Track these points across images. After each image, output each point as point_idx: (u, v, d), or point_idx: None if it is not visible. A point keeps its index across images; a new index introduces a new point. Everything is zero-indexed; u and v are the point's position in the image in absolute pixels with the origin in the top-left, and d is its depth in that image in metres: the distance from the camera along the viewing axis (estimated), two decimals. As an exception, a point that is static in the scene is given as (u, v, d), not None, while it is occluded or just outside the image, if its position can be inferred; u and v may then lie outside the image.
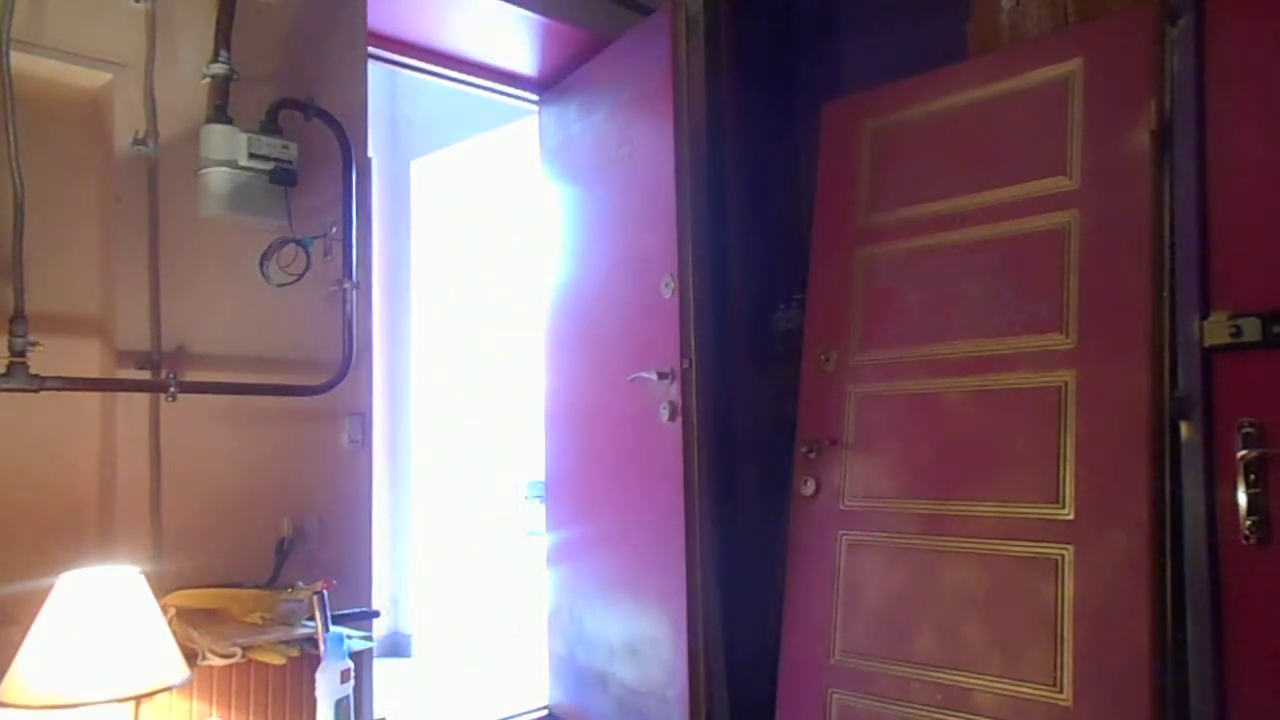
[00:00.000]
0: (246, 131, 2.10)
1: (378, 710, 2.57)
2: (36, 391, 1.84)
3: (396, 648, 4.30)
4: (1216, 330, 1.95)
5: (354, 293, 2.31)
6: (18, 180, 1.86)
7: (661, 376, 2.68)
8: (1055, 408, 2.21)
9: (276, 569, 2.18)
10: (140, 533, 2.01)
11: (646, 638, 2.77)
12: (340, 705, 1.84)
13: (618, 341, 2.94)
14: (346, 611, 2.14)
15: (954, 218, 2.47)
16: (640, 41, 2.87)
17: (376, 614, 2.41)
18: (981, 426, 2.33)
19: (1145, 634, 1.99)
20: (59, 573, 1.59)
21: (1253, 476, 1.88)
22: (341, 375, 2.28)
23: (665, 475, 2.68)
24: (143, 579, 1.64)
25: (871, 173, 2.69)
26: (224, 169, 2.07)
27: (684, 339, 2.67)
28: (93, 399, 2.06)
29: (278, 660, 1.86)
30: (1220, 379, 1.96)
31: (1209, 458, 1.95)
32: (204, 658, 1.77)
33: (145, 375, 2.04)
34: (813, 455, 2.61)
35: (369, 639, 2.15)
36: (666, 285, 2.69)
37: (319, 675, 1.84)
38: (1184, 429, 2.01)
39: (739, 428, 3.00)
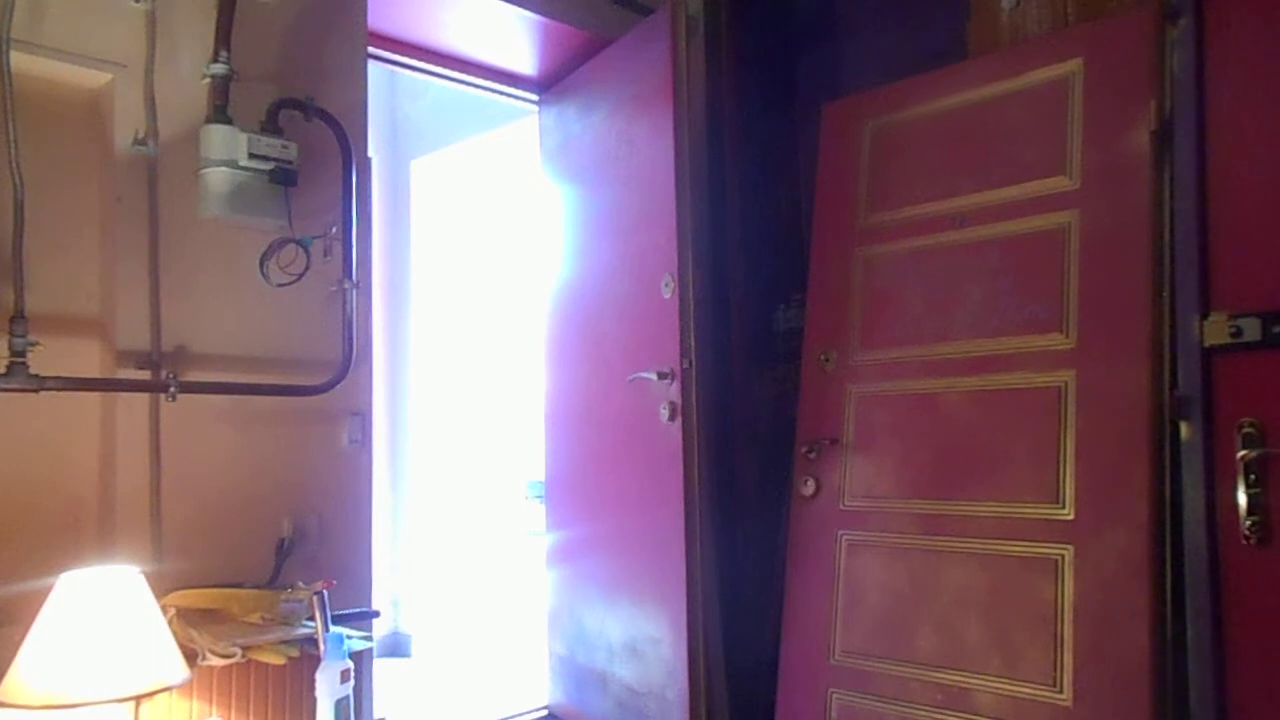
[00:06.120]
0: (246, 131, 2.10)
1: (378, 710, 2.57)
2: (36, 391, 1.84)
3: (396, 648, 4.30)
4: (1216, 330, 1.95)
5: (354, 293, 2.31)
6: (18, 180, 1.86)
7: (661, 376, 2.68)
8: (1055, 408, 2.21)
9: (276, 569, 2.18)
10: (140, 533, 2.01)
11: (646, 638, 2.77)
12: (340, 705, 1.84)
13: (617, 341, 2.93)
14: (346, 611, 2.14)
15: (954, 218, 2.47)
16: (640, 42, 2.86)
17: (376, 614, 2.41)
18: (981, 426, 2.33)
19: (1145, 634, 1.99)
20: (59, 573, 1.59)
21: (1253, 476, 1.87)
22: (341, 375, 2.28)
23: (665, 475, 2.68)
24: (143, 579, 1.64)
25: (871, 173, 2.69)
26: (224, 169, 2.07)
27: (684, 339, 2.66)
28: (93, 399, 2.06)
29: (278, 660, 1.86)
30: (1220, 379, 1.96)
31: (1209, 458, 1.95)
32: (204, 658, 1.77)
33: (145, 375, 2.04)
34: (813, 455, 2.61)
35: (369, 639, 2.15)
36: (666, 285, 2.69)
37: (319, 675, 1.84)
38: (1184, 429, 2.01)
39: (739, 428, 3.00)
